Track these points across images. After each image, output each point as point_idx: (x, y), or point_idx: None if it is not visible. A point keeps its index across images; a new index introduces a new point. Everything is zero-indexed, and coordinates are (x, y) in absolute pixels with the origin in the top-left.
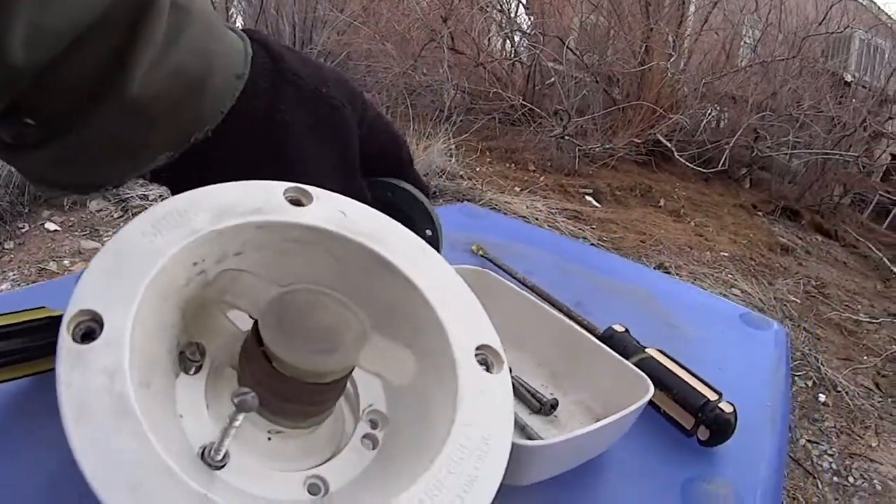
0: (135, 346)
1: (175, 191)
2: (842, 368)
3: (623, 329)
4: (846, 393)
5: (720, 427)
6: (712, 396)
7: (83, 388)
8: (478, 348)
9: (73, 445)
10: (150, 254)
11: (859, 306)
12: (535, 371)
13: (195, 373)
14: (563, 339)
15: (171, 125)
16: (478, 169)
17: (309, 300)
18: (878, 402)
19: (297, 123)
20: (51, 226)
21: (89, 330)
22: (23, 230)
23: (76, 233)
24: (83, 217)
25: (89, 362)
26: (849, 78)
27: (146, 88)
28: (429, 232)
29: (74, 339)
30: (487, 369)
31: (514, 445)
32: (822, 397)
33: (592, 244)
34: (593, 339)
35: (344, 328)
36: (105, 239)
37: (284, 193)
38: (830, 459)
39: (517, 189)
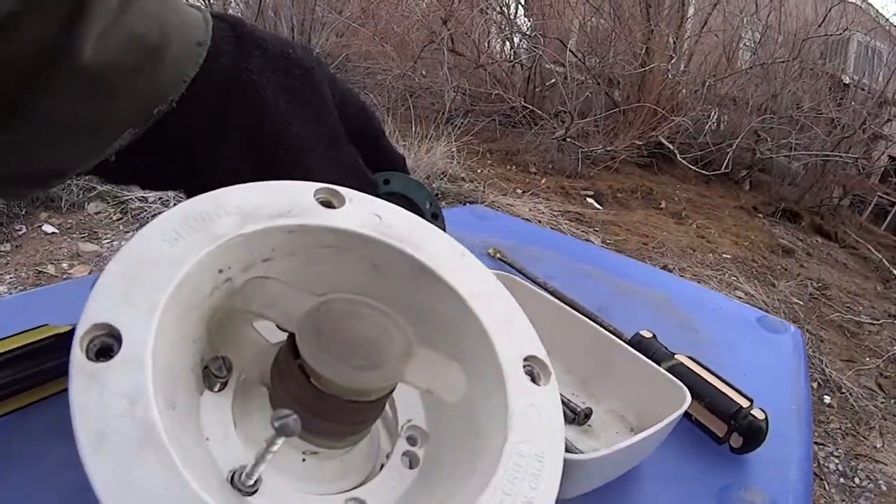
0: (157, 364)
1: (147, 186)
2: (845, 370)
3: (651, 335)
4: (850, 394)
5: (753, 434)
6: (744, 403)
7: (101, 414)
8: (525, 359)
9: (93, 478)
10: (171, 261)
11: (860, 308)
12: (564, 378)
13: (220, 389)
14: (593, 346)
15: (131, 95)
16: (479, 171)
17: (348, 311)
18: (882, 403)
19: (269, 86)
20: (48, 228)
21: (105, 346)
22: (20, 232)
23: (74, 235)
24: (81, 219)
25: (107, 384)
26: (847, 80)
27: (100, 55)
28: (429, 205)
29: (89, 357)
30: (534, 381)
31: None
32: (826, 399)
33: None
34: (625, 345)
35: (387, 341)
36: (104, 242)
37: (315, 194)
38: (837, 461)
39: (519, 191)
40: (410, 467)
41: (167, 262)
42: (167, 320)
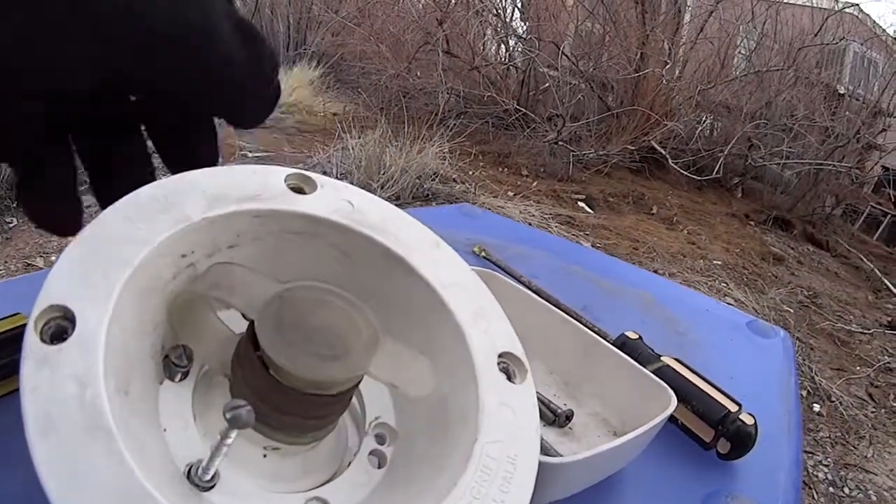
0: (112, 348)
1: None
2: (835, 379)
3: (636, 336)
4: (840, 403)
5: (742, 440)
6: (732, 408)
7: (50, 396)
8: (500, 355)
9: (37, 462)
10: (132, 243)
11: (851, 317)
12: (546, 379)
13: (181, 379)
14: (577, 346)
15: None
16: (471, 173)
17: (313, 298)
18: (872, 412)
19: None
20: None
21: (60, 329)
22: (10, 225)
23: None
24: None
25: (58, 366)
26: (842, 90)
27: None
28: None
29: (42, 340)
30: (509, 379)
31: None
32: (816, 407)
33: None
34: (610, 346)
35: (353, 331)
36: None
37: (286, 179)
38: (826, 470)
39: (510, 194)
40: (378, 467)
41: (128, 244)
42: (125, 304)
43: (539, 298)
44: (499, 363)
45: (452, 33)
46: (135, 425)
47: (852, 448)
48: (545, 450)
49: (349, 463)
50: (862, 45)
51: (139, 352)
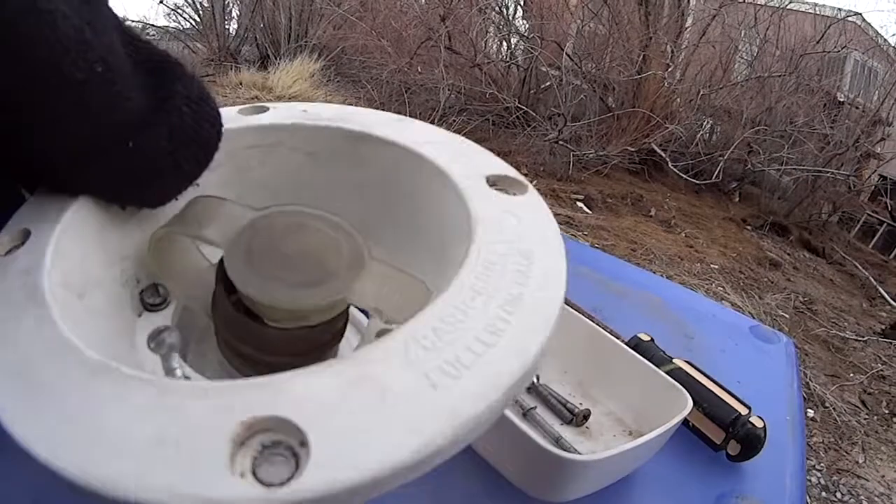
0: (62, 255)
1: None
2: (829, 385)
3: (649, 338)
4: (834, 409)
5: (751, 442)
6: (743, 411)
7: (2, 292)
8: (489, 177)
9: None
10: None
11: (846, 324)
12: (561, 378)
13: (160, 309)
14: (592, 346)
15: None
16: None
17: (289, 223)
18: (865, 419)
19: None
20: None
21: (18, 245)
22: None
23: None
24: None
25: (9, 267)
26: (842, 97)
27: None
28: None
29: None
30: (507, 193)
31: (558, 458)
32: (810, 413)
33: None
34: (625, 346)
35: (332, 254)
36: None
37: (240, 110)
38: (819, 475)
39: None
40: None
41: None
42: (81, 226)
43: None
44: (489, 180)
45: (455, 30)
46: (86, 321)
47: (845, 454)
48: (566, 448)
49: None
50: (863, 53)
51: (101, 274)
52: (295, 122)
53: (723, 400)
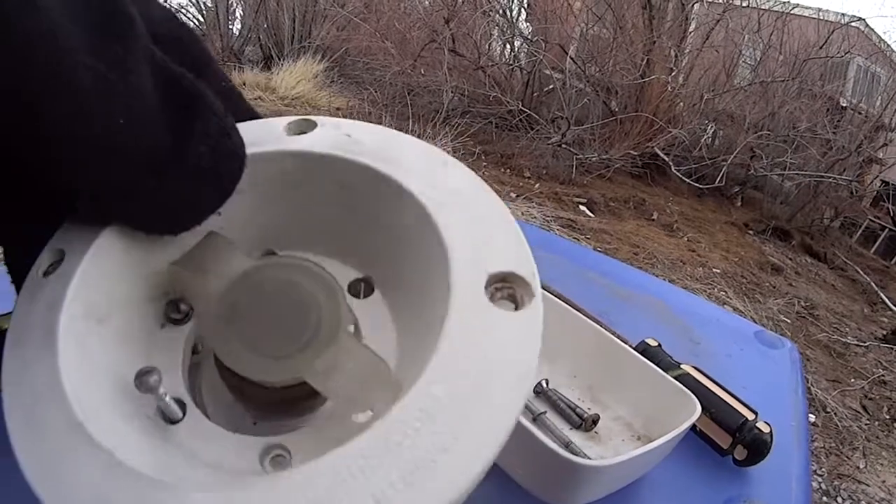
0: (89, 281)
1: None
2: (830, 390)
3: (656, 343)
4: (835, 414)
5: (758, 447)
6: (749, 416)
7: (26, 321)
8: (493, 276)
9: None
10: None
11: (847, 329)
12: (570, 383)
13: (180, 324)
14: (601, 351)
15: None
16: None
17: (280, 280)
18: (866, 424)
19: None
20: None
21: (53, 268)
22: None
23: None
24: None
25: (38, 294)
26: (845, 103)
27: None
28: None
29: (41, 275)
30: (515, 306)
31: (570, 463)
32: (811, 418)
33: None
34: (634, 352)
35: (309, 327)
36: None
37: (287, 126)
38: (820, 479)
39: (513, 195)
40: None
41: None
42: (111, 247)
43: (562, 302)
44: (492, 284)
45: (458, 32)
46: (96, 347)
47: (846, 459)
48: (576, 454)
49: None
50: (866, 59)
51: (128, 293)
52: (331, 154)
53: (730, 405)
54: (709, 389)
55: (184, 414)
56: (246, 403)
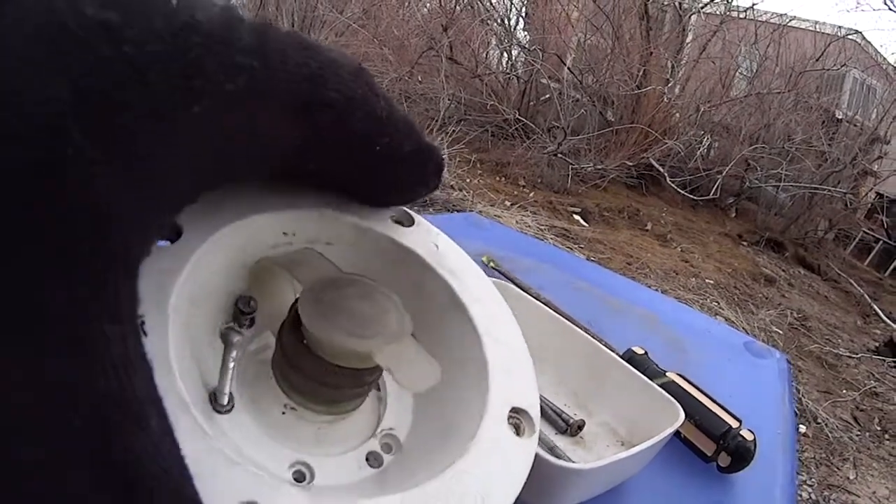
0: (201, 270)
1: None
2: (822, 401)
3: (643, 351)
4: (826, 425)
5: (741, 454)
6: (734, 424)
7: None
8: (513, 410)
9: None
10: (244, 205)
11: (840, 340)
12: (557, 389)
13: (245, 328)
14: (588, 358)
15: None
16: (469, 180)
17: (361, 289)
18: (857, 435)
19: None
20: None
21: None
22: None
23: None
24: None
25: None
26: (840, 115)
27: None
28: None
29: None
30: (517, 432)
31: (553, 466)
32: (802, 428)
33: None
34: (620, 359)
35: (383, 322)
36: None
37: (391, 215)
38: (810, 490)
39: (507, 203)
40: (374, 468)
41: (243, 204)
42: (229, 240)
43: (550, 310)
44: (510, 417)
45: (456, 40)
46: (188, 332)
47: (836, 469)
48: (560, 457)
49: (349, 452)
50: (862, 71)
51: (220, 285)
52: (425, 260)
53: (714, 413)
54: (693, 397)
55: (231, 406)
56: (291, 383)
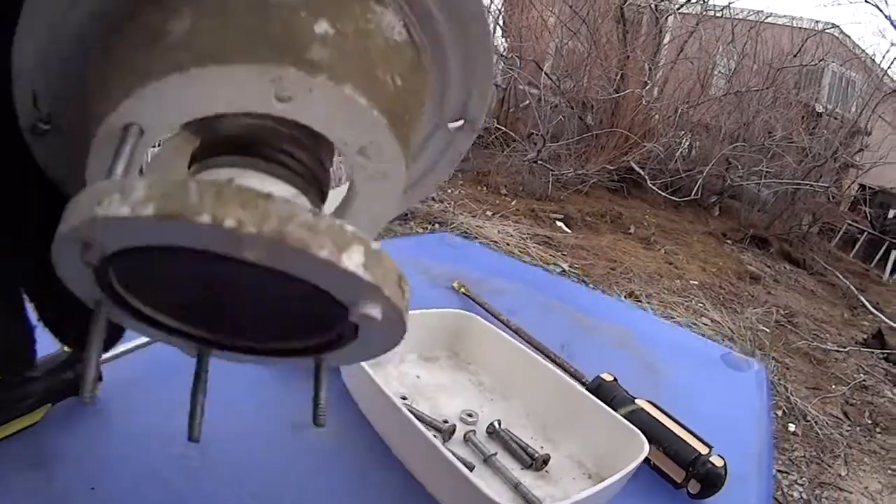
0: None
1: None
2: (811, 398)
3: (612, 378)
4: (815, 422)
5: (711, 481)
6: (703, 450)
7: None
8: None
9: None
10: None
11: (827, 335)
12: (524, 422)
13: None
14: (554, 390)
15: None
16: (450, 191)
17: None
18: (847, 431)
19: None
20: None
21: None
22: None
23: None
24: None
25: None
26: (820, 109)
27: None
28: None
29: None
30: None
31: None
32: (791, 427)
33: (564, 271)
34: (584, 391)
35: None
36: None
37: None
38: (801, 489)
39: (489, 213)
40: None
41: None
42: None
43: (516, 341)
44: None
45: None
46: None
47: (827, 467)
48: (525, 496)
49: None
50: (841, 65)
51: None
52: None
53: (683, 440)
54: (663, 424)
55: None
56: None
